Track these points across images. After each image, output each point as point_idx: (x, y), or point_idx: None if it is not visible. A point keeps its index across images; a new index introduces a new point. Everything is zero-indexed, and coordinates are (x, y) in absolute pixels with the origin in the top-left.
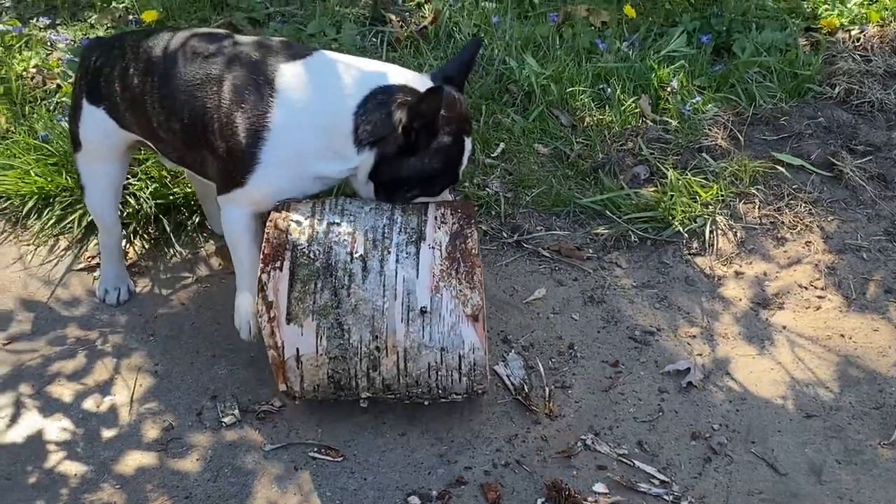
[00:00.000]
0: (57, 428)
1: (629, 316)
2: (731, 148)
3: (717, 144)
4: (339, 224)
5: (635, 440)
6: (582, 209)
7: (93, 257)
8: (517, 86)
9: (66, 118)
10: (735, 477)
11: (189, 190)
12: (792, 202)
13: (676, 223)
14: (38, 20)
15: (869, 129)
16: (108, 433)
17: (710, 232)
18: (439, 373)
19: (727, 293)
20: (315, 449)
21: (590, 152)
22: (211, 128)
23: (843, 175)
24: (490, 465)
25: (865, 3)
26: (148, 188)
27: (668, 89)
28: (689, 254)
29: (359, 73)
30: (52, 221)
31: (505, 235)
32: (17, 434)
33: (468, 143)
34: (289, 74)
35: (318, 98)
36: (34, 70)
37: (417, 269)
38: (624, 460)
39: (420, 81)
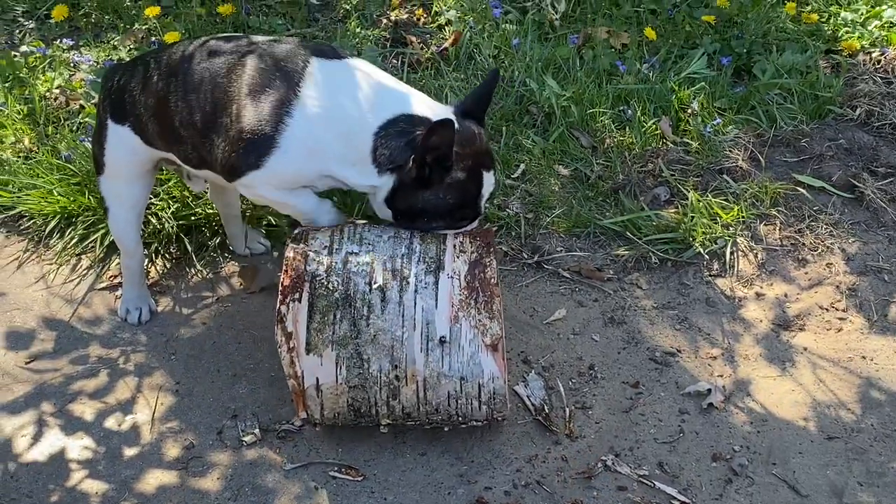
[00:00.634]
0: (78, 446)
1: (650, 337)
2: (751, 169)
3: (737, 166)
4: (357, 254)
5: (656, 461)
6: (602, 230)
7: (115, 276)
8: (538, 107)
9: (89, 138)
10: (756, 498)
11: (211, 210)
12: (813, 224)
13: (697, 244)
14: (61, 41)
15: (890, 151)
16: (129, 452)
17: (731, 253)
18: (459, 401)
19: (748, 314)
20: (335, 468)
21: (610, 173)
22: (229, 110)
23: (864, 197)
24: (510, 486)
25: (886, 25)
26: (170, 208)
27: (689, 111)
28: (710, 275)
29: (387, 93)
30: (74, 241)
31: (525, 256)
32: (40, 452)
33: (488, 177)
34: (319, 71)
35: (343, 104)
36: (57, 91)
37: (436, 300)
38: (644, 481)
39: (444, 113)
